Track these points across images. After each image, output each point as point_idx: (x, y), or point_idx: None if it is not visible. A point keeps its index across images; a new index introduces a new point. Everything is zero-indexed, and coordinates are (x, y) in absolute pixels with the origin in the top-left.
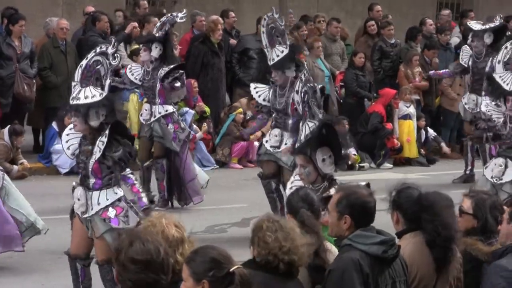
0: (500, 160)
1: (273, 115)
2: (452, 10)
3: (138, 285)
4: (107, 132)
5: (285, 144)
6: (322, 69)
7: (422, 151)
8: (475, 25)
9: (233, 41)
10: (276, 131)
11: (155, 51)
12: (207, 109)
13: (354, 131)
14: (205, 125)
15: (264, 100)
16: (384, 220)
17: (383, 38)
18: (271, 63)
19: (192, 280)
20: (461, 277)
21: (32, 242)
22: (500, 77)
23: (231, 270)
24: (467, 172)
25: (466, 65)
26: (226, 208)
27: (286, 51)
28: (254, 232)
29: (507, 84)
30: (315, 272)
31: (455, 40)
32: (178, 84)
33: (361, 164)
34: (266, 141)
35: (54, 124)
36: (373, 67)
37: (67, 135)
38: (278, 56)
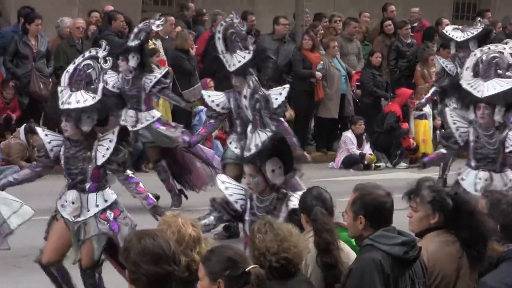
0: (486, 175)
1: (237, 121)
2: (468, 10)
3: (153, 279)
4: (113, 136)
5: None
6: (339, 69)
7: None
8: (453, 32)
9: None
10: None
11: (133, 61)
12: None
13: (370, 131)
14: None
15: (223, 108)
16: (401, 220)
17: (399, 38)
18: (231, 69)
19: (208, 279)
20: (477, 278)
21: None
22: (469, 84)
23: (246, 269)
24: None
25: (452, 73)
26: None
27: (248, 57)
28: (250, 235)
29: (478, 91)
30: (327, 270)
31: None
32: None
33: (377, 164)
34: (230, 142)
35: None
36: (389, 66)
37: (46, 135)
38: (239, 62)
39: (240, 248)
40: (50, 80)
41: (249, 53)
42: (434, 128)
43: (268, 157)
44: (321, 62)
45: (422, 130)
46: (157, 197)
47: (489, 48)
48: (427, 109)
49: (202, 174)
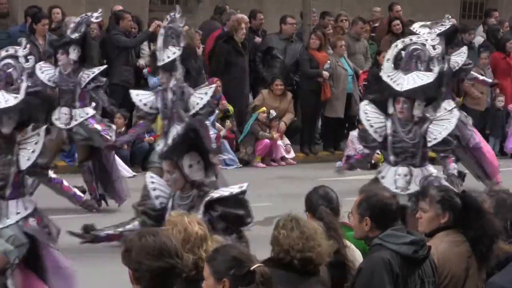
0: (405, 170)
1: (165, 122)
2: (476, 9)
3: (156, 274)
4: (39, 138)
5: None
6: (346, 68)
7: None
8: (420, 29)
9: (258, 39)
10: None
11: (74, 54)
12: (230, 108)
13: None
14: (228, 122)
15: (151, 108)
16: None
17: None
18: (159, 63)
19: (213, 278)
20: (485, 278)
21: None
22: (389, 76)
23: (252, 268)
24: None
25: None
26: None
27: (178, 53)
28: (274, 229)
29: (398, 84)
30: (334, 268)
31: (478, 39)
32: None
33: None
34: (158, 145)
35: None
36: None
37: None
38: (169, 57)
39: (245, 247)
40: None
41: (179, 49)
42: None
43: (185, 151)
44: (328, 61)
45: None
46: (84, 191)
47: (410, 40)
48: None
49: (121, 188)
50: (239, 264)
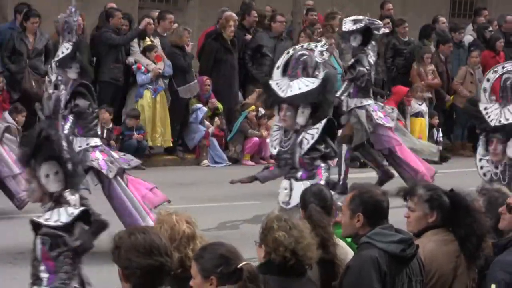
0: (287, 184)
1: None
2: (465, 8)
3: (146, 272)
4: None
5: None
6: (335, 67)
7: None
8: (348, 24)
9: (248, 36)
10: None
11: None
12: (220, 105)
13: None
14: (217, 119)
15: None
16: (399, 218)
17: (396, 36)
18: (54, 59)
19: (200, 276)
20: (476, 277)
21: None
22: (277, 83)
23: (239, 266)
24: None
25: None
26: (238, 205)
27: (71, 49)
28: (266, 231)
29: (283, 91)
30: (324, 266)
31: (468, 38)
32: None
33: None
34: None
35: None
36: (386, 64)
37: None
38: (63, 53)
39: (232, 245)
40: (46, 78)
41: (72, 45)
42: (431, 126)
43: (43, 160)
44: None
45: (418, 128)
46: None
47: (302, 46)
48: (424, 107)
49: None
50: (226, 261)
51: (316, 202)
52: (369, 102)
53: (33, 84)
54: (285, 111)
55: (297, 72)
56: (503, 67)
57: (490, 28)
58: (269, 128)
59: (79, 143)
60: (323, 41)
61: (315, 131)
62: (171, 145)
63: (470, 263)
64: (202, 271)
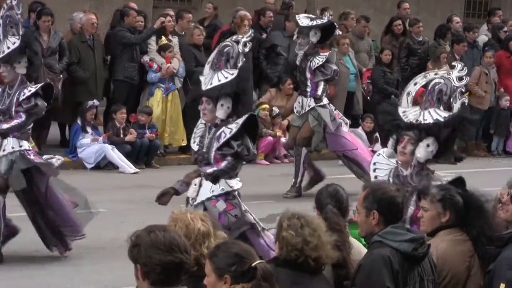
0: (196, 181)
1: None
2: (480, 8)
3: (166, 268)
4: None
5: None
6: (347, 67)
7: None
8: (303, 19)
9: (262, 36)
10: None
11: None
12: None
13: (380, 128)
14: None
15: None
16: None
17: (411, 35)
18: (0, 55)
19: (214, 275)
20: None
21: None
22: (205, 78)
23: (253, 264)
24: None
25: (298, 64)
26: (253, 204)
27: (18, 43)
28: (279, 228)
29: (204, 84)
30: (338, 268)
31: (482, 38)
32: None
33: None
34: None
35: (78, 119)
36: (400, 64)
37: None
38: (8, 48)
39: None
40: (61, 76)
41: (19, 39)
42: None
43: None
44: None
45: None
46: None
47: (231, 39)
48: None
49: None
50: (240, 260)
51: (333, 203)
52: (327, 101)
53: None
54: (205, 104)
55: (220, 64)
56: (436, 74)
57: (505, 29)
58: (284, 127)
59: (12, 144)
60: (250, 31)
61: (234, 125)
62: (183, 144)
63: (483, 263)
64: (216, 270)
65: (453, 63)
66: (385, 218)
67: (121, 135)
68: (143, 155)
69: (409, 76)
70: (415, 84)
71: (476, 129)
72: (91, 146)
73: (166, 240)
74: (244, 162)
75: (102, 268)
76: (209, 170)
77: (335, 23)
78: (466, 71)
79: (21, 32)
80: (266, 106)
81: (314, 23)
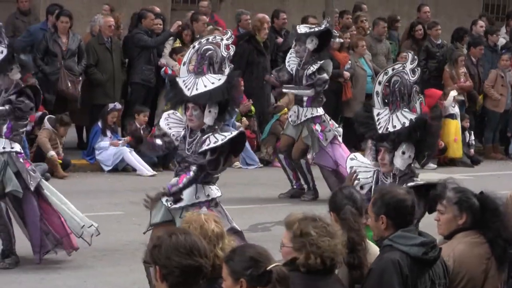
0: (175, 180)
1: None
2: (498, 11)
3: (186, 271)
4: None
5: None
6: (364, 69)
7: (471, 151)
8: (302, 28)
9: (279, 40)
10: None
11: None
12: (252, 108)
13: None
14: (244, 119)
15: None
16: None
17: (429, 38)
18: None
19: (231, 279)
20: (506, 279)
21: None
22: (183, 81)
23: (268, 268)
24: (294, 186)
25: (292, 73)
26: (270, 206)
27: (6, 52)
28: (302, 236)
29: (188, 89)
30: (354, 270)
31: (501, 41)
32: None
33: None
34: None
35: (99, 122)
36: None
37: None
38: None
39: (263, 247)
40: (80, 78)
41: (5, 47)
42: (463, 129)
43: None
44: (349, 62)
45: (453, 130)
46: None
47: (207, 40)
48: (456, 109)
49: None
50: (256, 264)
51: (350, 204)
52: (323, 111)
53: (69, 85)
54: (191, 110)
55: (203, 68)
56: (393, 69)
57: None
58: None
59: (4, 145)
60: (228, 33)
61: (221, 138)
62: None
63: (500, 265)
64: (232, 274)
65: (403, 54)
66: (393, 222)
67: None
68: (161, 157)
69: (428, 79)
70: (379, 83)
71: (493, 132)
72: (109, 149)
73: (187, 243)
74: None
75: (118, 271)
76: (173, 189)
77: (332, 30)
78: (417, 61)
79: (6, 41)
80: (285, 110)
81: (315, 29)
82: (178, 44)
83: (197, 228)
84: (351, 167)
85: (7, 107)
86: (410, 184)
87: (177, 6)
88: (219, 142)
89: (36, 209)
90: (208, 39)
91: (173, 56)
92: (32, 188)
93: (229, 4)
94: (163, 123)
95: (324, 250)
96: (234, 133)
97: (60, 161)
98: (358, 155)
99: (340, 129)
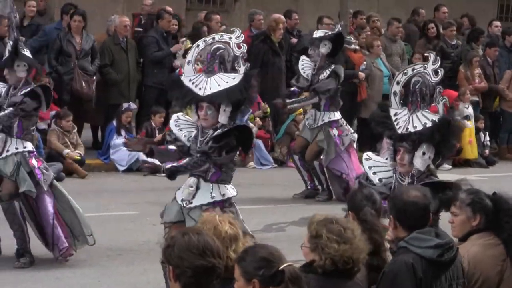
0: (194, 181)
1: None
2: None
3: (197, 272)
4: None
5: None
6: (381, 69)
7: (486, 152)
8: (318, 33)
9: (294, 40)
10: None
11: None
12: (268, 108)
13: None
14: (258, 119)
15: None
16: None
17: (444, 39)
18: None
19: (243, 279)
20: None
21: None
22: (190, 80)
23: (280, 268)
24: (309, 187)
25: (308, 78)
26: (284, 206)
27: (11, 48)
28: (317, 238)
29: (200, 88)
30: (373, 271)
31: None
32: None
33: None
34: None
35: (114, 121)
36: None
37: None
38: (9, 51)
39: (275, 247)
40: (94, 78)
41: (11, 43)
42: (477, 130)
43: None
44: (364, 62)
45: (467, 132)
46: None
47: (213, 39)
48: (470, 110)
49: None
50: (268, 264)
51: (369, 205)
52: (340, 115)
53: (83, 84)
54: (206, 110)
55: (214, 68)
56: (413, 69)
57: None
58: None
59: (16, 145)
60: (237, 32)
61: (225, 129)
62: None
63: None
64: (244, 274)
65: (425, 54)
66: (403, 224)
67: (156, 135)
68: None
69: (442, 79)
70: (397, 83)
71: (508, 133)
72: (123, 148)
73: (199, 243)
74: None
75: (133, 270)
76: (168, 165)
77: (344, 36)
78: (439, 62)
79: (13, 37)
80: (301, 110)
81: (327, 34)
82: (189, 45)
83: (211, 229)
84: (370, 167)
85: (8, 110)
86: (425, 181)
87: (192, 7)
88: (219, 131)
89: (50, 207)
90: (214, 38)
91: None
92: (45, 187)
93: (243, 5)
94: (173, 125)
95: (333, 254)
96: (236, 125)
97: (79, 157)
98: (371, 154)
99: (355, 135)
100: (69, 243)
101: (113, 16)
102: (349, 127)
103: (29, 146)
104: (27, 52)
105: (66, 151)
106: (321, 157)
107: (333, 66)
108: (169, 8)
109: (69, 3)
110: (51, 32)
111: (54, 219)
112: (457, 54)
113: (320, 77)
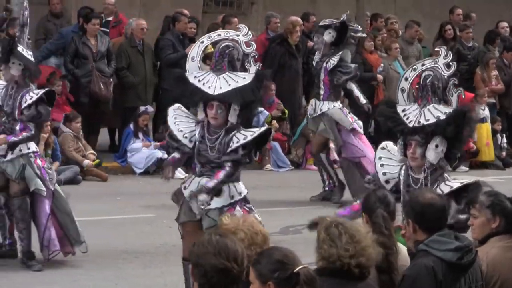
0: (204, 182)
1: (3, 119)
2: None
3: (209, 272)
4: None
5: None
6: (398, 72)
7: (503, 153)
8: (326, 22)
9: (310, 43)
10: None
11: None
12: (285, 110)
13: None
14: (274, 122)
15: None
16: None
17: (461, 41)
18: None
19: (258, 282)
20: None
21: (106, 241)
22: (196, 77)
23: (295, 270)
24: (326, 188)
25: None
26: (301, 209)
27: (6, 44)
28: (317, 239)
29: (210, 87)
30: (383, 274)
31: None
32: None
33: None
34: None
35: (131, 124)
36: None
37: None
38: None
39: (290, 249)
40: (111, 80)
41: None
42: (494, 132)
43: None
44: (382, 64)
45: (485, 134)
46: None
47: (219, 35)
48: (486, 112)
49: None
50: (282, 266)
51: (382, 207)
52: (340, 105)
53: (101, 86)
54: (216, 109)
55: (223, 66)
56: (423, 64)
57: None
58: None
59: (20, 146)
60: (244, 29)
61: (250, 133)
62: None
63: None
64: (260, 277)
65: (436, 49)
66: (422, 226)
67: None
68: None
69: (459, 81)
70: (406, 79)
71: None
72: (141, 151)
73: (217, 244)
74: None
75: (149, 273)
76: (210, 184)
77: (347, 23)
78: (451, 56)
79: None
80: None
81: (332, 24)
82: (210, 49)
83: (251, 234)
84: (380, 158)
85: (32, 129)
86: (444, 189)
87: (209, 9)
88: (249, 138)
89: (47, 208)
90: (219, 35)
91: (207, 62)
92: (51, 187)
93: (260, 7)
94: (171, 119)
95: (323, 256)
96: (263, 128)
97: (97, 161)
98: (389, 144)
99: (360, 122)
100: (64, 243)
101: (132, 19)
102: (353, 115)
103: (33, 146)
104: (26, 53)
105: (86, 162)
106: (331, 148)
107: (338, 54)
108: (185, 11)
109: (86, 6)
110: (68, 35)
111: (48, 220)
112: (473, 56)
113: (324, 65)
